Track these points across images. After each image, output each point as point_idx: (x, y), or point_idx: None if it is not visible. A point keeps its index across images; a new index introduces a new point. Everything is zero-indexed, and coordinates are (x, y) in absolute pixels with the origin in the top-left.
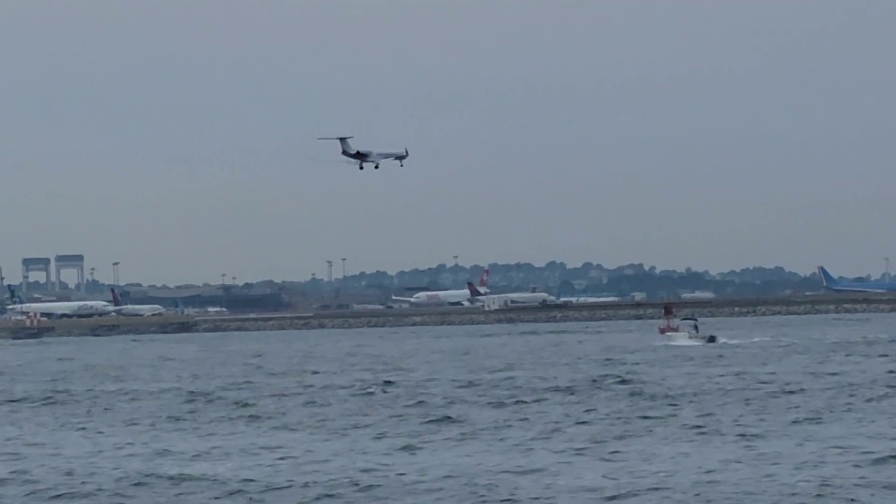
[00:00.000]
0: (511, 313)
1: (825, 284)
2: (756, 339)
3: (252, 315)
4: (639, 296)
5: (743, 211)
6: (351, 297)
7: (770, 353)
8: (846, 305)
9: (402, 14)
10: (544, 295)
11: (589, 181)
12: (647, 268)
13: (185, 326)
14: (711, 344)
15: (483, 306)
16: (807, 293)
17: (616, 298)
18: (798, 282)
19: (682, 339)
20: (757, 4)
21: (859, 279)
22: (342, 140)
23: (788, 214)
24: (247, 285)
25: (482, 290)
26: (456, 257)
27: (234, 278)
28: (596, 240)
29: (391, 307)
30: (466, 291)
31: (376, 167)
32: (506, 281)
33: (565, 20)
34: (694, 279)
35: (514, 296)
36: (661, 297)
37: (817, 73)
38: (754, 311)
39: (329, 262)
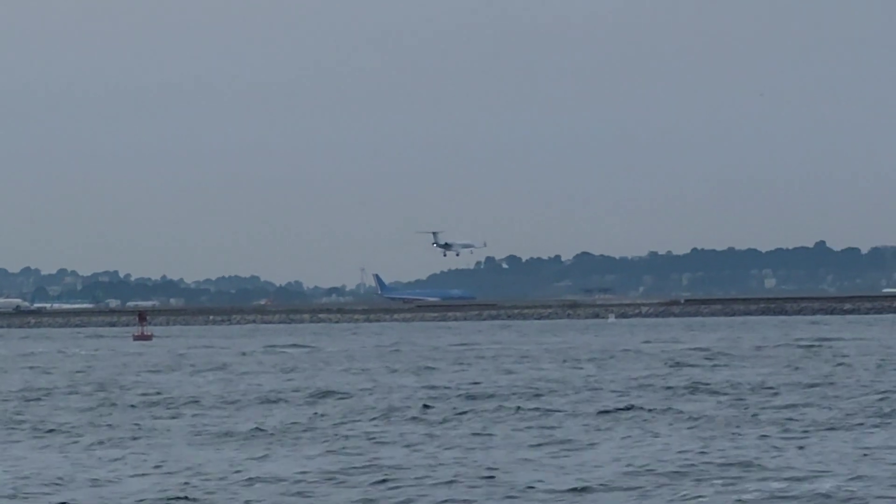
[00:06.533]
0: None
1: (379, 292)
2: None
3: None
4: (113, 303)
5: (218, 222)
6: None
7: None
8: (320, 315)
9: None
10: (18, 301)
11: (66, 186)
12: (122, 275)
13: None
14: None
15: None
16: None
17: (91, 305)
18: (274, 291)
19: None
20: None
21: (334, 289)
22: (434, 234)
23: (264, 226)
24: None
25: None
26: None
27: None
28: (71, 246)
29: None
30: None
31: (457, 255)
32: None
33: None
34: (169, 287)
35: None
36: (136, 305)
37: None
38: (229, 320)
39: None
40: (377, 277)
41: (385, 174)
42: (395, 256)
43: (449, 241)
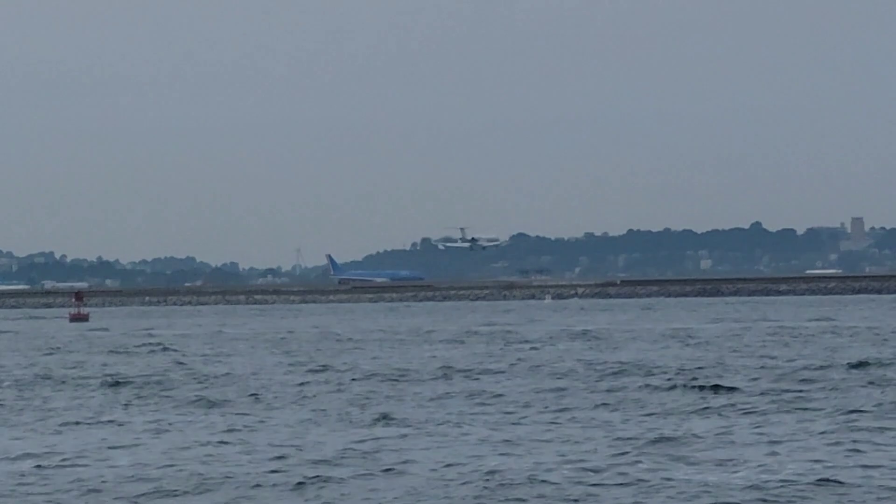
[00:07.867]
0: None
1: (332, 274)
2: None
3: None
4: (49, 284)
5: (153, 202)
6: None
7: None
8: (256, 297)
9: None
10: None
11: None
12: (57, 256)
13: None
14: None
15: None
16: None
17: (27, 286)
18: (210, 272)
19: None
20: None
21: (270, 270)
22: (462, 229)
23: (199, 206)
24: None
25: None
26: None
27: None
28: (6, 227)
29: None
30: None
31: (483, 248)
32: None
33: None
34: (105, 268)
35: None
36: (70, 286)
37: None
38: (165, 301)
39: None
40: (330, 258)
41: (317, 155)
42: (330, 238)
43: (476, 237)
